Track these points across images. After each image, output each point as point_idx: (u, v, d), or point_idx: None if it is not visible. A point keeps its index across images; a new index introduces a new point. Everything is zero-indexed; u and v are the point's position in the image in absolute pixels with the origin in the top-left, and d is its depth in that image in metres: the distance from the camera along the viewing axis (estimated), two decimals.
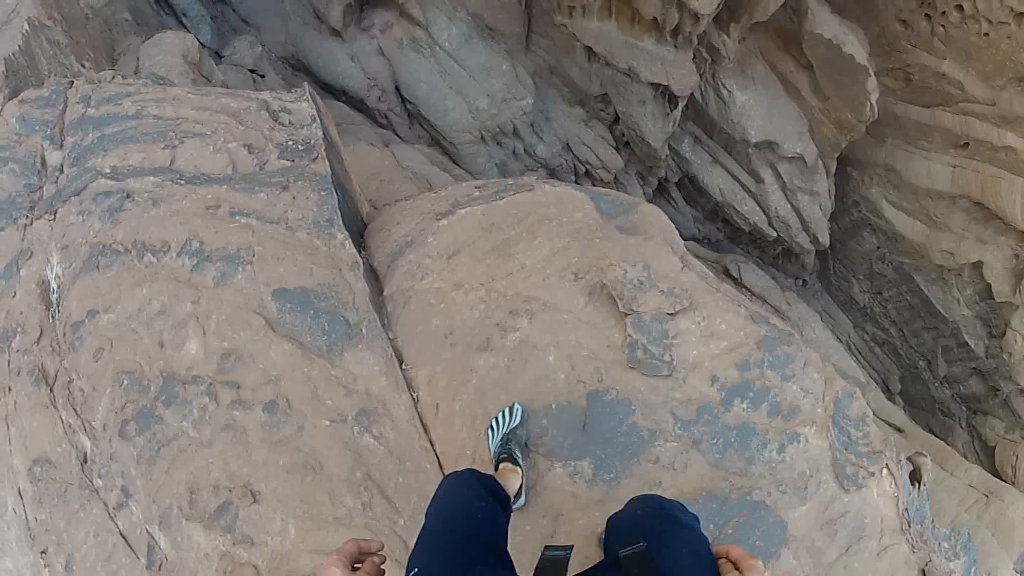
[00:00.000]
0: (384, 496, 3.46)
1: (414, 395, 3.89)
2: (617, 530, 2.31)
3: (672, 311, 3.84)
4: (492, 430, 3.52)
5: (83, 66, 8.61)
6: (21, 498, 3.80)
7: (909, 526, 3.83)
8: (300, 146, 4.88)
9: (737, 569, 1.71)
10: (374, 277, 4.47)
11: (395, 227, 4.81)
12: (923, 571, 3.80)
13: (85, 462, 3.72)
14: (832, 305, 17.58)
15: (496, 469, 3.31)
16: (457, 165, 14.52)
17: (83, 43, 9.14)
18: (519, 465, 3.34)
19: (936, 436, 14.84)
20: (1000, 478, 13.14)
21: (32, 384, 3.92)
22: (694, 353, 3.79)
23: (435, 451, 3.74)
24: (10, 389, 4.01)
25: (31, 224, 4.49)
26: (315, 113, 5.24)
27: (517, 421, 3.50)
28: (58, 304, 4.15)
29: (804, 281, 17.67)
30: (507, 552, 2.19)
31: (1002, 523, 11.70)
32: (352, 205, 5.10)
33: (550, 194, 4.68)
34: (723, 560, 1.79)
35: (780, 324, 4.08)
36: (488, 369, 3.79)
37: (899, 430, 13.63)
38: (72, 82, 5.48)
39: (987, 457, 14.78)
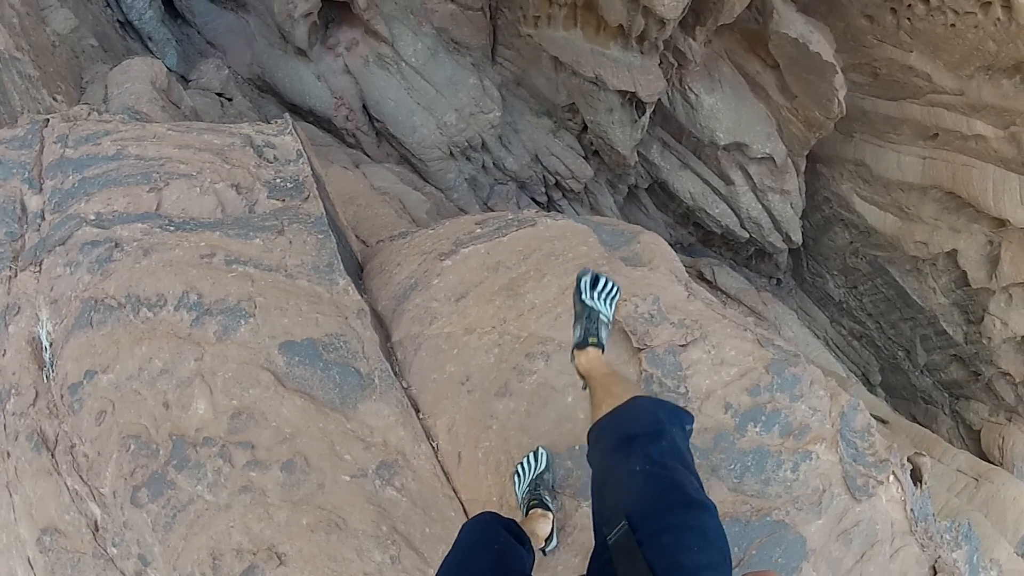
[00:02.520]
0: (412, 548, 3.41)
1: (433, 444, 3.84)
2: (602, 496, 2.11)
3: (684, 343, 3.85)
4: (519, 476, 3.49)
5: (55, 99, 8.53)
6: (32, 568, 3.69)
7: (916, 526, 3.90)
8: (289, 183, 4.81)
9: None
10: (379, 322, 4.40)
11: (396, 268, 4.75)
12: (934, 567, 3.85)
13: (96, 530, 3.60)
14: (807, 302, 17.70)
15: (526, 515, 3.30)
16: (427, 182, 14.52)
17: (52, 73, 9.06)
18: (549, 509, 3.32)
19: (920, 424, 14.98)
20: (988, 461, 13.30)
21: (32, 450, 3.79)
22: (707, 382, 3.79)
23: (460, 499, 3.70)
24: (9, 455, 3.88)
25: (15, 276, 4.33)
26: (300, 147, 5.17)
27: (543, 466, 3.48)
28: (52, 363, 4.01)
29: (778, 280, 17.78)
30: None
31: (994, 505, 11.84)
32: (346, 244, 5.02)
33: (553, 228, 4.64)
34: None
35: (785, 345, 4.10)
36: (508, 414, 3.75)
37: (883, 421, 13.75)
38: (48, 120, 5.32)
39: (972, 441, 14.95)
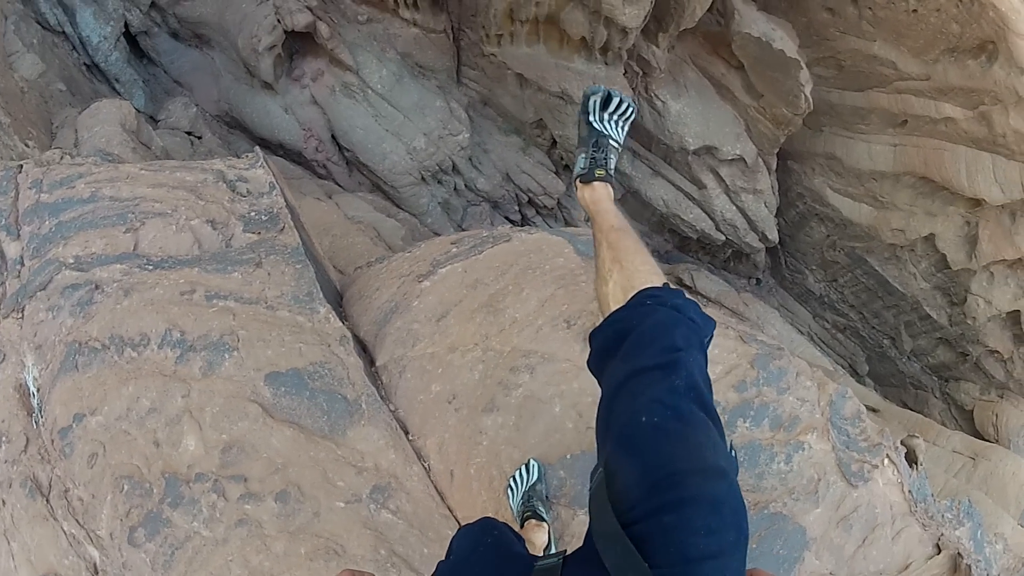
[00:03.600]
0: (412, 569, 3.40)
1: (425, 464, 3.83)
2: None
3: None
4: (511, 489, 3.46)
5: (27, 145, 8.52)
6: None
7: (916, 506, 3.91)
8: (263, 216, 4.81)
9: None
10: (362, 348, 4.40)
11: (375, 293, 4.75)
12: (938, 545, 3.87)
13: (96, 573, 3.58)
14: (789, 299, 17.72)
15: (521, 527, 3.28)
16: (401, 208, 14.52)
17: (23, 119, 9.05)
18: (544, 520, 3.30)
19: (912, 410, 15.03)
20: (983, 439, 13.35)
21: (27, 496, 3.76)
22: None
23: (455, 517, 3.68)
24: (4, 502, 3.86)
25: None
26: (272, 180, 5.17)
27: (535, 477, 3.45)
28: (40, 409, 4.00)
29: (758, 280, 17.81)
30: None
31: (994, 481, 11.89)
32: (324, 273, 5.02)
33: (528, 242, 4.65)
34: None
35: (768, 340, 4.13)
36: (497, 429, 3.74)
37: (874, 410, 13.77)
38: (21, 166, 5.31)
39: (966, 422, 14.98)
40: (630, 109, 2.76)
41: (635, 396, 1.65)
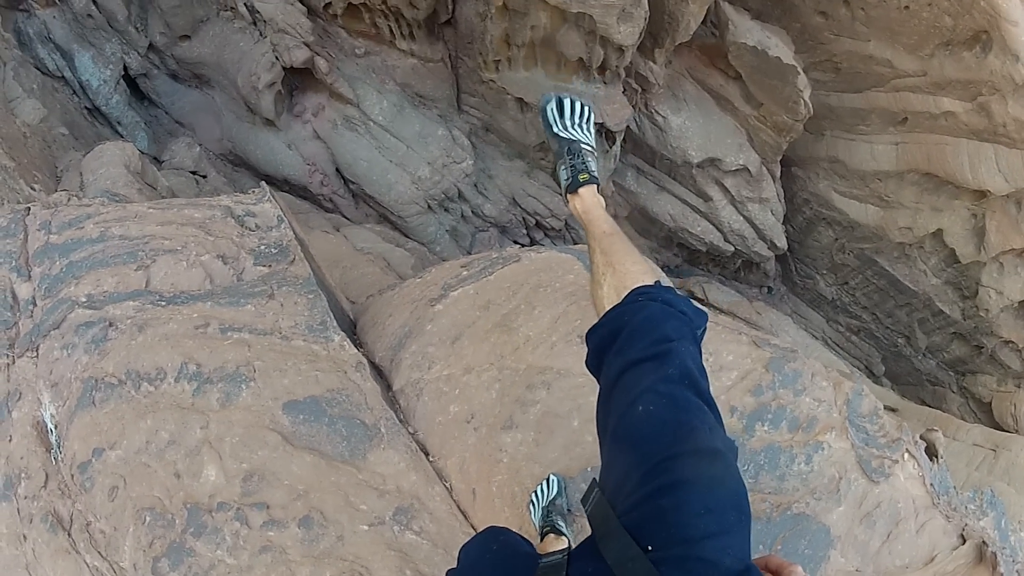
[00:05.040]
0: None
1: (447, 484, 3.84)
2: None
3: None
4: (533, 504, 3.48)
5: (33, 188, 8.54)
6: None
7: (939, 499, 3.92)
8: (273, 249, 4.85)
9: None
10: (379, 374, 4.42)
11: (388, 319, 4.79)
12: (962, 535, 3.88)
13: None
14: (801, 305, 17.66)
15: (541, 541, 3.29)
16: (409, 238, 14.55)
17: (27, 164, 9.10)
18: (564, 534, 3.30)
19: (930, 407, 14.97)
20: (1003, 430, 13.29)
21: (48, 531, 3.77)
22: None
23: None
24: (25, 537, 3.87)
25: (13, 363, 4.33)
26: (280, 213, 5.21)
27: (555, 491, 3.47)
28: (59, 445, 4.02)
29: (769, 288, 17.77)
30: None
31: (1016, 471, 11.87)
32: (336, 303, 5.05)
33: (537, 261, 4.69)
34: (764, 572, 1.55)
35: (780, 343, 4.14)
36: (517, 446, 3.76)
37: (892, 410, 13.72)
38: (29, 208, 5.36)
39: (985, 414, 14.96)
40: (586, 109, 2.81)
41: (629, 389, 1.68)
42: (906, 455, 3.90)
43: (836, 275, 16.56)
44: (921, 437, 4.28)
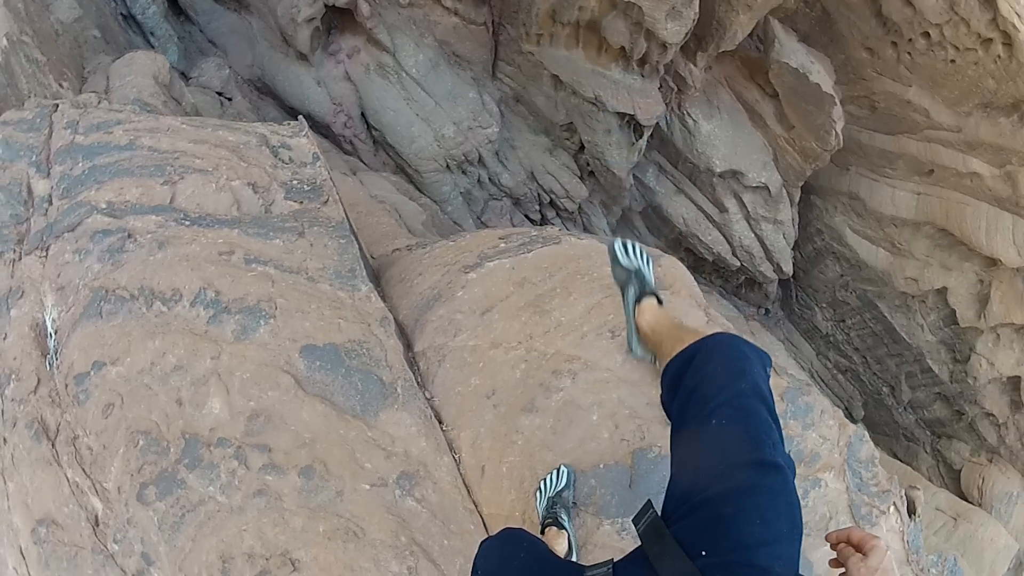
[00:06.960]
0: (430, 559, 3.36)
1: (456, 456, 3.79)
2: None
3: None
4: (540, 492, 3.45)
5: (61, 86, 8.45)
6: (24, 558, 3.61)
7: (911, 556, 3.95)
8: (306, 186, 4.76)
9: (860, 551, 1.60)
10: (400, 331, 4.34)
11: (417, 278, 4.71)
12: None
13: (97, 525, 3.52)
14: (795, 333, 17.70)
15: (542, 533, 3.26)
16: (422, 193, 14.46)
17: (56, 61, 8.98)
18: (564, 528, 3.28)
19: (901, 461, 15.03)
20: (967, 501, 13.36)
21: (32, 438, 3.70)
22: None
23: (480, 512, 3.65)
24: (5, 441, 3.80)
25: (20, 259, 4.26)
26: (316, 151, 5.13)
27: (563, 483, 3.44)
28: (56, 352, 3.94)
29: (767, 310, 17.79)
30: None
31: (971, 545, 11.94)
32: (364, 252, 4.97)
33: (577, 247, 4.61)
34: (843, 545, 1.66)
35: (797, 374, 4.13)
36: (534, 430, 3.70)
37: None
38: (57, 105, 5.24)
39: (952, 480, 14.98)
40: (645, 252, 3.33)
41: (706, 402, 1.83)
42: (892, 507, 3.93)
43: (835, 311, 16.58)
44: (903, 493, 4.31)
